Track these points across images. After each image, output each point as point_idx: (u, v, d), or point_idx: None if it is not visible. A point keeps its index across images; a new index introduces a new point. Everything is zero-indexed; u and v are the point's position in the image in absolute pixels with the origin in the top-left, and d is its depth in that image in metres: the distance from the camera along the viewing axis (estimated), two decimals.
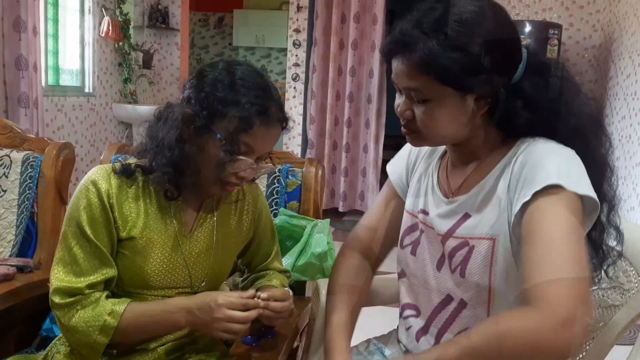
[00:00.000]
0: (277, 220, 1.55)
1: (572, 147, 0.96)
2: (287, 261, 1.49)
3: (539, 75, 0.98)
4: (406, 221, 1.16)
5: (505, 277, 0.96)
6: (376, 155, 4.98)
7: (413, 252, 1.12)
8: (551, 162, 0.91)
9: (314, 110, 5.05)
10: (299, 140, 5.32)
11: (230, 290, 1.40)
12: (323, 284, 1.32)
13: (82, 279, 1.04)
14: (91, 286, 1.05)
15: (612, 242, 1.02)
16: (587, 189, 0.89)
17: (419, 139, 1.03)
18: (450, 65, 0.91)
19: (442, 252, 1.05)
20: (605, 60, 4.29)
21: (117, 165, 1.10)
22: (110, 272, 1.07)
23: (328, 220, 1.57)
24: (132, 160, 1.10)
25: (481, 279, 0.98)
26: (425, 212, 1.11)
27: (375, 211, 1.24)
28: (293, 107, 5.32)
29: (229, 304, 1.01)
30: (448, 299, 1.05)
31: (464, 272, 1.00)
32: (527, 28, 4.01)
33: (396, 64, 0.97)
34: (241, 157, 1.05)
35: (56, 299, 1.04)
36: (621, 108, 3.77)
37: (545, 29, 3.98)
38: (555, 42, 3.94)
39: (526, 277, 0.84)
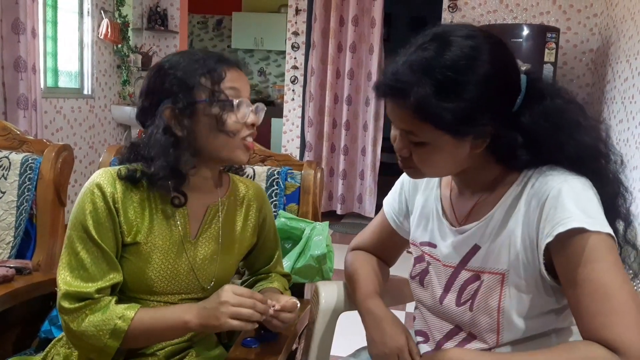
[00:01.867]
0: (276, 223, 1.56)
1: (580, 171, 0.94)
2: (286, 263, 1.49)
3: (539, 102, 0.95)
4: (414, 252, 1.18)
5: (514, 309, 0.96)
6: (374, 158, 4.99)
7: (421, 283, 1.13)
8: (570, 199, 0.89)
9: (313, 113, 5.05)
10: (297, 142, 5.32)
11: None
12: (322, 286, 1.33)
13: (90, 284, 1.03)
14: (100, 291, 1.04)
15: (629, 260, 1.00)
16: (607, 227, 0.88)
17: (417, 174, 1.03)
18: (444, 113, 0.89)
19: (450, 283, 1.05)
20: (603, 63, 4.31)
21: (123, 170, 1.09)
22: (117, 276, 1.07)
23: (327, 222, 1.57)
24: (137, 166, 1.10)
25: (490, 313, 0.98)
26: (431, 245, 1.12)
27: (371, 234, 1.31)
28: (291, 109, 5.33)
29: (235, 287, 1.02)
30: (457, 329, 1.05)
31: (472, 306, 1.00)
32: (525, 31, 4.02)
33: (390, 106, 0.96)
34: (238, 100, 1.08)
35: (65, 304, 1.03)
36: (619, 111, 3.78)
37: (542, 33, 3.99)
38: (553, 45, 3.95)
39: (596, 326, 0.85)
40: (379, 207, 1.32)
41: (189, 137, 1.07)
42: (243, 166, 1.31)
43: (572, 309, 0.89)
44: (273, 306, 1.05)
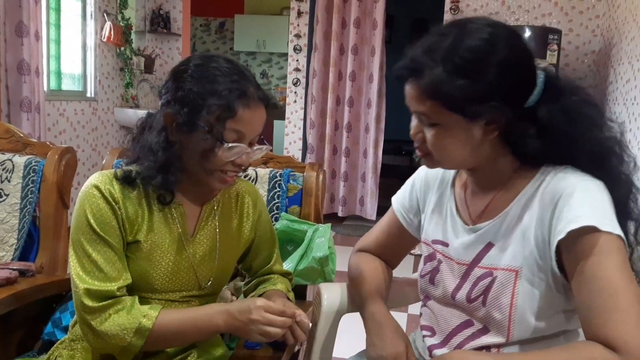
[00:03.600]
0: (278, 225, 1.56)
1: (595, 171, 0.95)
2: (288, 265, 1.49)
3: (557, 100, 0.97)
4: (424, 250, 1.18)
5: (527, 306, 0.96)
6: (376, 160, 4.99)
7: (432, 281, 1.14)
8: (584, 199, 0.91)
9: (314, 115, 5.06)
10: (299, 144, 5.33)
11: (232, 294, 1.40)
12: (324, 288, 1.33)
13: (109, 284, 1.03)
14: (120, 289, 1.05)
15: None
16: (619, 229, 0.89)
17: (432, 161, 1.04)
18: (456, 92, 0.92)
19: (463, 280, 1.06)
20: (605, 65, 4.30)
21: (119, 171, 1.10)
22: (130, 278, 1.08)
23: (329, 224, 1.58)
24: (132, 167, 1.11)
25: (502, 309, 0.98)
26: (443, 243, 1.12)
27: (379, 234, 1.31)
28: (294, 111, 5.34)
29: (267, 306, 1.03)
30: (468, 322, 1.06)
31: (485, 301, 1.01)
32: (527, 33, 4.02)
33: (407, 89, 0.99)
34: (233, 144, 1.06)
35: (88, 302, 1.02)
36: (621, 113, 3.78)
37: (544, 34, 3.99)
38: (555, 47, 3.95)
39: (598, 322, 0.85)
40: (380, 209, 1.33)
41: (179, 148, 1.08)
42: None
43: (577, 306, 0.90)
44: (299, 316, 1.07)
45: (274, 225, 1.57)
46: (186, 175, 1.12)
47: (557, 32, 4.03)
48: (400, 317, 1.22)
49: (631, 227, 0.98)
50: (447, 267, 1.11)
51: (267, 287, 1.27)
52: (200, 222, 1.17)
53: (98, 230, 1.05)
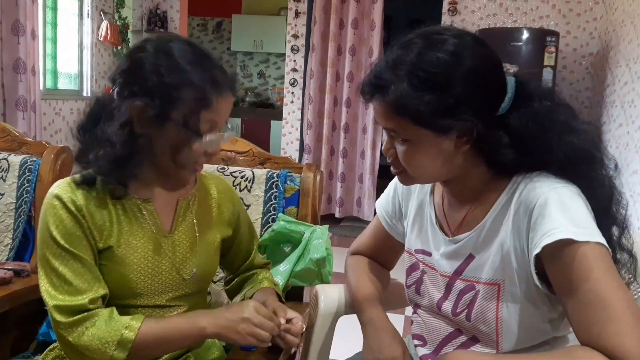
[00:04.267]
0: (275, 226, 1.55)
1: (571, 176, 0.93)
2: (285, 267, 1.48)
3: (527, 104, 0.94)
4: (407, 260, 1.17)
5: (512, 319, 0.95)
6: (373, 161, 4.99)
7: (417, 292, 1.13)
8: (557, 209, 0.87)
9: (312, 116, 5.05)
10: (296, 145, 5.32)
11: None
12: (321, 289, 1.32)
13: (79, 297, 0.98)
14: (93, 301, 0.99)
15: (625, 266, 0.98)
16: (597, 235, 0.86)
17: (407, 178, 1.02)
18: (423, 107, 0.90)
19: (447, 292, 1.05)
20: (602, 67, 4.31)
21: (77, 176, 1.04)
22: (104, 288, 1.02)
23: (327, 226, 1.57)
24: (90, 170, 1.04)
25: (488, 323, 0.97)
26: (425, 253, 1.11)
27: (368, 238, 1.30)
28: (291, 112, 5.33)
29: (258, 306, 1.02)
30: (457, 333, 1.05)
31: (470, 316, 1.00)
32: (525, 35, 4.02)
33: (374, 105, 0.97)
34: (211, 136, 1.02)
35: (59, 318, 0.97)
36: (618, 115, 3.78)
37: (542, 37, 4.00)
38: (553, 49, 3.96)
39: (593, 334, 0.83)
40: None
41: (146, 141, 1.02)
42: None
43: (569, 319, 0.88)
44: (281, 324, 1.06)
45: (270, 226, 1.57)
46: (154, 170, 1.08)
47: (555, 34, 4.04)
48: (397, 319, 1.22)
49: (615, 232, 0.95)
50: (431, 278, 1.09)
51: (254, 287, 1.25)
52: (177, 217, 1.13)
53: (63, 243, 0.99)
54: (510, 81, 0.95)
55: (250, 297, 1.21)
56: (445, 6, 4.79)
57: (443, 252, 1.06)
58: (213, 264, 1.20)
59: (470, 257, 1.01)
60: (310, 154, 5.09)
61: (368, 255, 1.30)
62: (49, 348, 1.14)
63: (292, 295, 1.55)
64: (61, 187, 1.03)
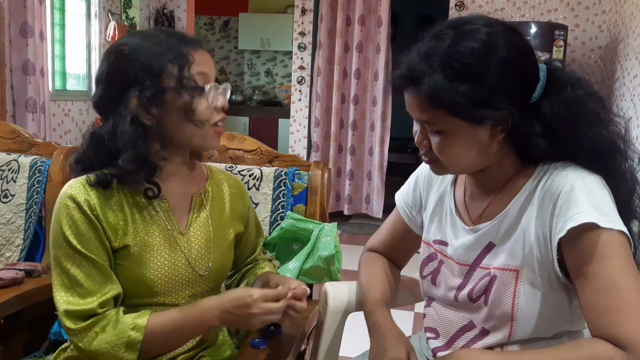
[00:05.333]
0: (283, 224, 1.55)
1: (596, 168, 0.93)
2: (294, 264, 1.49)
3: (559, 91, 0.94)
4: (424, 251, 1.17)
5: (529, 306, 0.96)
6: (381, 158, 4.98)
7: (433, 282, 1.13)
8: (583, 195, 0.89)
9: (319, 113, 5.05)
10: (304, 143, 5.32)
11: None
12: (330, 287, 1.32)
13: (90, 300, 0.98)
14: (102, 305, 0.99)
15: None
16: (620, 224, 0.88)
17: (440, 168, 1.02)
18: (458, 98, 0.89)
19: (464, 281, 1.05)
20: (612, 61, 4.27)
21: (92, 177, 1.03)
22: (116, 288, 1.02)
23: (335, 223, 1.57)
24: (105, 171, 1.04)
25: (504, 308, 0.98)
26: (443, 243, 1.11)
27: (385, 233, 1.30)
28: (298, 109, 5.33)
29: (264, 296, 1.00)
30: (470, 325, 1.05)
31: (487, 301, 1.00)
32: (533, 29, 4.00)
33: (407, 97, 0.97)
34: (207, 86, 1.04)
35: (69, 324, 0.98)
36: (628, 109, 3.75)
37: (551, 30, 3.97)
38: (561, 43, 3.93)
39: (604, 321, 0.84)
40: (386, 207, 1.32)
41: (158, 127, 1.03)
42: (208, 152, 1.27)
43: (582, 305, 0.89)
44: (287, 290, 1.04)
45: (279, 224, 1.57)
46: (169, 166, 1.09)
47: (563, 27, 4.00)
48: (406, 316, 1.22)
49: (634, 227, 0.96)
50: (448, 267, 1.10)
51: (256, 271, 1.26)
52: (192, 214, 1.13)
53: (75, 244, 0.99)
54: (542, 68, 0.96)
55: (253, 284, 1.21)
56: (453, 1, 4.76)
57: (463, 241, 1.06)
58: (228, 259, 1.20)
59: (491, 246, 1.02)
60: (318, 152, 5.09)
61: (383, 251, 1.29)
62: (60, 348, 1.15)
63: None
64: (75, 187, 1.02)
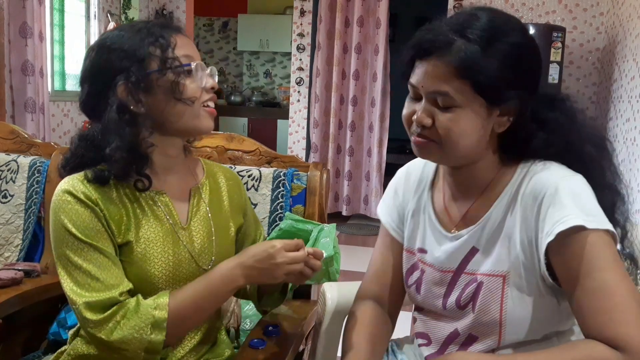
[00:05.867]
0: (282, 225, 1.55)
1: (577, 170, 0.94)
2: None
3: (552, 99, 0.99)
4: (406, 260, 1.14)
5: (517, 311, 0.95)
6: (380, 159, 4.98)
7: (418, 291, 1.10)
8: (568, 197, 0.89)
9: (318, 114, 5.06)
10: (303, 144, 5.33)
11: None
12: (329, 287, 1.33)
13: (109, 292, 0.95)
14: (123, 295, 0.97)
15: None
16: (606, 223, 0.88)
17: (432, 149, 0.97)
18: (490, 73, 0.89)
19: (449, 288, 1.04)
20: (609, 62, 4.29)
21: (89, 173, 1.01)
22: (129, 283, 1.00)
23: (334, 224, 1.57)
24: (101, 167, 1.02)
25: (492, 314, 0.97)
26: (423, 251, 1.09)
27: (378, 257, 1.20)
28: (297, 110, 5.34)
29: (286, 245, 1.00)
30: (456, 332, 1.04)
31: (475, 307, 0.99)
32: (531, 31, 3.99)
33: (426, 66, 0.93)
34: (193, 64, 1.03)
35: (90, 316, 0.94)
36: (625, 110, 3.76)
37: (549, 32, 3.97)
38: (559, 45, 3.94)
39: (597, 323, 0.84)
40: None
41: (147, 112, 1.02)
42: (196, 138, 1.23)
43: (573, 308, 0.89)
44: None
45: (277, 225, 1.57)
46: (163, 159, 1.08)
47: (561, 29, 4.01)
48: (406, 316, 1.22)
49: (618, 233, 0.95)
50: (431, 276, 1.07)
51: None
52: (192, 208, 1.12)
53: (82, 237, 0.96)
54: None
55: None
56: (451, 3, 4.77)
57: (444, 248, 1.04)
58: (230, 252, 1.18)
59: (474, 250, 1.00)
60: (316, 153, 5.10)
61: (376, 293, 1.18)
62: (59, 350, 1.14)
63: (300, 293, 1.56)
64: (71, 182, 1.01)
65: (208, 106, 1.06)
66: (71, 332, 1.15)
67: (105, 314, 0.94)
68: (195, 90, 1.03)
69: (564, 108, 0.98)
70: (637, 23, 3.71)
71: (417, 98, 0.97)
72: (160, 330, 0.95)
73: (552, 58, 3.93)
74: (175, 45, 1.03)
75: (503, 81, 0.90)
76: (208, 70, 1.07)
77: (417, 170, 1.16)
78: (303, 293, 1.56)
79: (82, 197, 0.99)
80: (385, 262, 1.18)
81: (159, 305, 0.96)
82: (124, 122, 0.99)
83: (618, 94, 3.98)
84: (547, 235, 0.89)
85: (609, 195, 0.96)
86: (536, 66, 0.96)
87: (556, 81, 3.96)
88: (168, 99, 1.02)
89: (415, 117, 0.96)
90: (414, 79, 0.95)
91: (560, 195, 0.89)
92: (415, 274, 1.11)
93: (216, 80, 1.09)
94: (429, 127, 0.94)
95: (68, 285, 0.97)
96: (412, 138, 0.98)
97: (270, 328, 1.22)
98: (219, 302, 1.06)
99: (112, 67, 1.01)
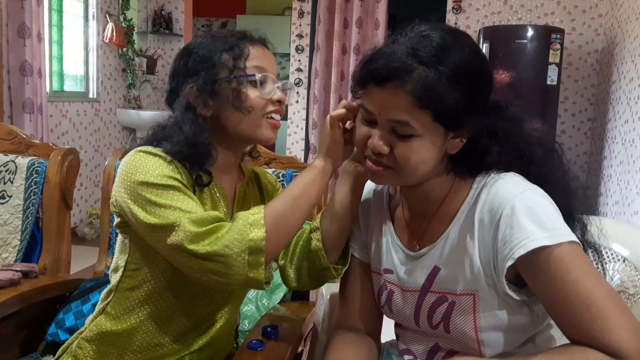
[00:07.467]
0: None
1: (530, 176, 0.93)
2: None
3: (498, 108, 0.96)
4: (375, 281, 1.11)
5: (491, 327, 0.94)
6: None
7: (390, 310, 1.08)
8: (525, 216, 0.86)
9: (317, 115, 5.06)
10: (302, 145, 5.33)
11: None
12: (327, 289, 1.33)
13: (210, 213, 0.97)
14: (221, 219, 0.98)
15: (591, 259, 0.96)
16: (568, 234, 0.86)
17: (390, 176, 0.94)
18: (450, 101, 0.85)
19: (418, 307, 1.02)
20: (608, 64, 4.29)
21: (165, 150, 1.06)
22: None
23: None
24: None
25: (467, 333, 0.95)
26: (389, 272, 1.07)
27: (350, 285, 1.14)
28: (296, 112, 5.34)
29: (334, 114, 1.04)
30: (437, 346, 1.03)
31: (448, 327, 0.97)
32: (530, 33, 4.01)
33: (383, 94, 0.88)
34: (259, 75, 1.06)
35: (193, 228, 0.93)
36: (624, 112, 3.77)
37: (547, 34, 3.98)
38: (558, 46, 3.94)
39: (585, 333, 0.83)
40: None
41: (212, 116, 1.07)
42: (257, 151, 1.27)
43: (557, 322, 0.87)
44: None
45: None
46: (222, 158, 1.10)
47: (560, 31, 4.02)
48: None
49: (578, 231, 0.95)
50: (400, 295, 1.05)
51: (305, 234, 1.21)
52: (237, 203, 1.17)
53: (165, 182, 0.98)
54: None
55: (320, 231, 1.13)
56: (450, 4, 4.78)
57: (407, 268, 1.03)
58: None
59: (436, 269, 0.98)
60: (315, 154, 5.09)
61: (355, 322, 1.13)
62: (61, 348, 1.15)
63: (299, 295, 1.56)
64: (149, 148, 1.04)
65: (272, 118, 1.09)
66: (92, 314, 1.15)
67: (209, 226, 0.94)
68: (256, 101, 1.06)
69: (509, 115, 0.95)
70: (635, 25, 3.72)
71: (372, 122, 0.93)
72: (259, 227, 0.94)
73: (550, 60, 3.94)
74: (248, 55, 1.07)
75: (463, 108, 0.87)
76: (280, 84, 1.10)
77: (369, 193, 1.14)
78: (301, 294, 1.56)
79: (166, 159, 1.03)
80: (356, 286, 1.13)
81: (254, 212, 0.97)
82: (187, 121, 1.05)
83: (617, 96, 3.99)
84: (507, 259, 0.87)
85: (563, 195, 0.94)
86: (490, 84, 0.93)
87: (555, 83, 3.96)
88: (230, 106, 1.06)
89: (370, 142, 0.92)
90: (370, 105, 0.91)
91: (517, 215, 0.86)
92: (384, 295, 1.08)
93: (288, 94, 1.13)
94: (387, 154, 0.91)
95: (165, 214, 0.96)
96: (367, 163, 0.95)
97: (268, 329, 1.22)
98: (311, 195, 1.02)
99: (187, 70, 1.08)
